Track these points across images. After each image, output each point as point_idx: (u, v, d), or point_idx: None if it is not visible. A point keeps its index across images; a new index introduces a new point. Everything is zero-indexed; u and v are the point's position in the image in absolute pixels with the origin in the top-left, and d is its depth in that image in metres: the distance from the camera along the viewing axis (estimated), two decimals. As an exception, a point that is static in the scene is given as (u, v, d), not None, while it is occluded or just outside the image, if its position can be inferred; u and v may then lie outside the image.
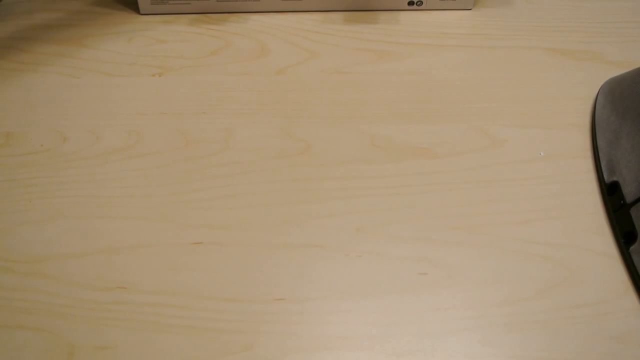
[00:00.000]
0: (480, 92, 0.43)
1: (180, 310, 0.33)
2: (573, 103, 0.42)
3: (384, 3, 0.49)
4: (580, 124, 0.41)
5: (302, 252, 0.35)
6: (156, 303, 0.33)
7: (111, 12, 0.49)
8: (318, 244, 0.35)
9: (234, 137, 0.40)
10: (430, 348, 0.31)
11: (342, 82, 0.44)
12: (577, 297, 0.33)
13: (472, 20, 0.48)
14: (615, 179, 0.36)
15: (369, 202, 0.37)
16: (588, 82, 0.43)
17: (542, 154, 0.39)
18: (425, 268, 0.34)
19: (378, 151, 0.39)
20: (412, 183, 0.38)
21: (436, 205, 0.37)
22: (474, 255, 0.35)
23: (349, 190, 0.37)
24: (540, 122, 0.41)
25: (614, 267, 0.34)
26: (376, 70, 0.44)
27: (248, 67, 0.45)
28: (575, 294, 0.33)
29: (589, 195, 0.37)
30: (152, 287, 0.33)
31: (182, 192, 0.38)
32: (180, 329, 0.32)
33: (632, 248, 0.34)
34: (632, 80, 0.39)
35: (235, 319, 0.32)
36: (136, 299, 0.33)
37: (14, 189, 0.38)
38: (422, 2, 0.49)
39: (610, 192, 0.36)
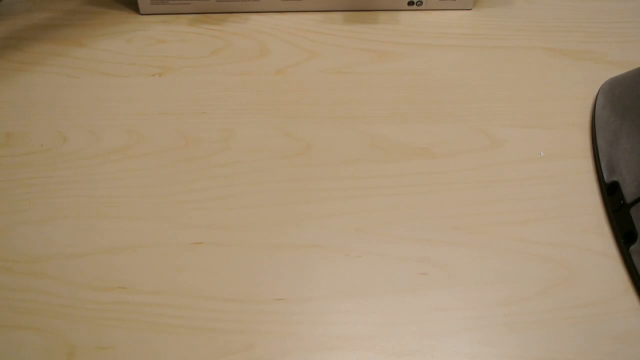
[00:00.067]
0: (480, 92, 0.43)
1: (180, 310, 0.33)
2: (573, 103, 0.42)
3: (384, 3, 0.49)
4: (580, 124, 0.41)
5: (302, 252, 0.35)
6: (156, 303, 0.33)
7: (111, 12, 0.49)
8: (318, 244, 0.35)
9: (234, 137, 0.40)
10: (430, 348, 0.31)
11: (342, 82, 0.44)
12: (577, 297, 0.33)
13: (472, 20, 0.48)
14: (615, 179, 0.36)
15: (369, 202, 0.37)
16: (588, 82, 0.43)
17: (542, 154, 0.39)
18: (425, 268, 0.34)
19: (378, 151, 0.39)
20: (411, 183, 0.38)
21: (436, 205, 0.37)
22: (474, 255, 0.35)
23: (349, 190, 0.37)
24: (540, 122, 0.41)
25: (614, 267, 0.34)
26: (376, 70, 0.45)
27: (248, 67, 0.45)
28: (575, 294, 0.33)
29: (588, 195, 0.37)
30: (152, 287, 0.33)
31: (182, 192, 0.38)
32: (180, 329, 0.32)
33: (632, 248, 0.34)
34: (632, 80, 0.39)
35: (235, 319, 0.32)
36: (136, 299, 0.33)
37: (14, 189, 0.38)
38: (422, 2, 0.49)
39: (610, 192, 0.36)
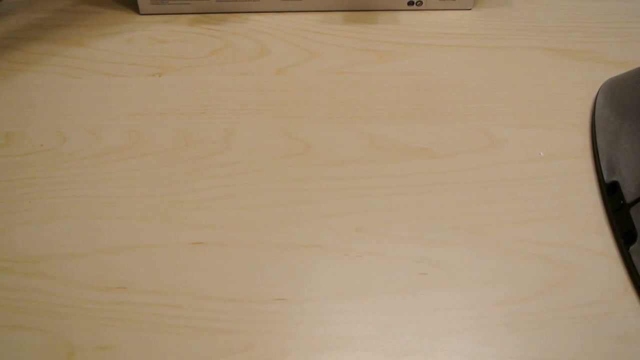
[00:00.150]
0: (480, 92, 0.43)
1: (180, 310, 0.33)
2: (573, 103, 0.42)
3: (383, 3, 0.49)
4: (580, 124, 0.41)
5: (302, 252, 0.35)
6: (156, 303, 0.33)
7: (111, 12, 0.49)
8: (318, 244, 0.35)
9: (234, 137, 0.40)
10: (430, 348, 0.31)
11: (342, 82, 0.44)
12: (577, 297, 0.33)
13: (472, 20, 0.48)
14: (615, 179, 0.36)
15: (369, 202, 0.37)
16: (588, 82, 0.43)
17: (542, 154, 0.39)
18: (425, 268, 0.34)
19: (378, 151, 0.39)
20: (411, 183, 0.38)
21: (436, 205, 0.37)
22: (474, 255, 0.35)
23: (349, 190, 0.37)
24: (540, 122, 0.41)
25: (614, 267, 0.34)
26: (376, 70, 0.45)
27: (248, 67, 0.45)
28: (575, 294, 0.33)
29: (588, 195, 0.37)
30: (152, 287, 0.33)
31: (182, 192, 0.38)
32: (180, 329, 0.32)
33: (632, 248, 0.34)
34: (632, 80, 0.39)
35: (235, 319, 0.32)
36: (136, 299, 0.33)
37: (14, 189, 0.38)
38: (421, 2, 0.49)
39: (610, 192, 0.36)
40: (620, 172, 0.36)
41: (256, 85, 0.44)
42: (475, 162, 0.39)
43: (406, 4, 0.49)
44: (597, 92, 0.42)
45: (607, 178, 0.37)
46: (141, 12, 0.49)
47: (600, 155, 0.38)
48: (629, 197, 0.34)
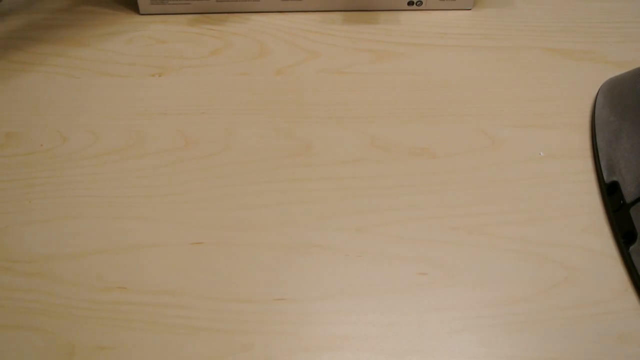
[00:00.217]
0: (480, 92, 0.43)
1: (180, 310, 0.33)
2: (573, 103, 0.42)
3: (383, 3, 0.49)
4: (580, 124, 0.41)
5: (302, 252, 0.35)
6: (156, 303, 0.33)
7: (111, 12, 0.49)
8: (318, 244, 0.35)
9: (234, 137, 0.40)
10: (430, 348, 0.31)
11: (342, 82, 0.44)
12: (577, 297, 0.33)
13: (472, 20, 0.48)
14: (614, 179, 0.36)
15: (369, 202, 0.37)
16: (588, 82, 0.43)
17: (542, 154, 0.39)
18: (424, 268, 0.34)
19: (378, 151, 0.39)
20: (411, 183, 0.38)
21: (436, 205, 0.37)
22: (474, 255, 0.35)
23: (349, 190, 0.37)
24: (540, 122, 0.41)
25: (614, 267, 0.34)
26: (376, 70, 0.45)
27: (248, 67, 0.45)
28: (575, 294, 0.33)
29: (588, 195, 0.37)
30: (152, 287, 0.33)
31: (182, 192, 0.38)
32: (180, 329, 0.32)
33: (631, 248, 0.34)
34: (631, 80, 0.39)
35: (235, 319, 0.32)
36: (136, 299, 0.33)
37: (14, 189, 0.38)
38: (421, 2, 0.49)
39: (610, 192, 0.36)
40: (620, 172, 0.36)
41: (256, 85, 0.44)
42: (475, 162, 0.39)
43: (406, 4, 0.49)
44: (597, 92, 0.42)
45: (607, 178, 0.37)
46: (141, 12, 0.49)
47: (600, 155, 0.38)
48: (629, 197, 0.34)
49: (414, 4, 0.49)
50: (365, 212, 0.36)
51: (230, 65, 0.45)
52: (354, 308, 0.33)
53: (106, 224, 0.36)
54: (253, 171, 0.39)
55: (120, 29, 0.48)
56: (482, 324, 0.32)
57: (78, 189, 0.38)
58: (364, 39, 0.47)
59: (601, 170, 0.37)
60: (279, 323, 0.32)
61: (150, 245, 0.35)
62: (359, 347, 0.31)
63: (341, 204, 0.37)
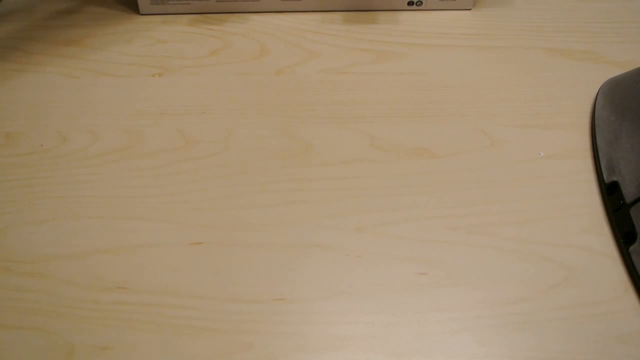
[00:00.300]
0: (480, 92, 0.43)
1: (180, 310, 0.33)
2: (573, 103, 0.42)
3: (383, 3, 0.49)
4: (580, 124, 0.41)
5: (302, 252, 0.35)
6: (156, 303, 0.33)
7: (111, 12, 0.49)
8: (318, 244, 0.35)
9: (234, 137, 0.40)
10: (430, 348, 0.31)
11: (342, 82, 0.44)
12: (577, 297, 0.33)
13: (471, 20, 0.48)
14: (614, 179, 0.36)
15: (369, 202, 0.37)
16: (588, 82, 0.43)
17: (542, 154, 0.39)
18: (424, 268, 0.34)
19: (378, 151, 0.39)
20: (411, 183, 0.38)
21: (436, 205, 0.37)
22: (474, 255, 0.35)
23: (349, 190, 0.37)
24: (540, 122, 0.41)
25: (614, 267, 0.34)
26: (376, 70, 0.45)
27: (248, 67, 0.45)
28: (575, 294, 0.33)
29: (588, 195, 0.37)
30: (152, 287, 0.33)
31: (182, 192, 0.38)
32: (180, 329, 0.32)
33: (631, 248, 0.34)
34: (631, 80, 0.39)
35: (235, 319, 0.32)
36: (136, 299, 0.33)
37: (14, 189, 0.38)
38: (421, 2, 0.49)
39: (610, 192, 0.36)
40: (620, 172, 0.36)
41: (256, 85, 0.44)
42: (475, 162, 0.39)
43: (406, 4, 0.49)
44: (597, 92, 0.42)
45: (607, 178, 0.37)
46: (141, 12, 0.49)
47: (600, 155, 0.38)
48: (628, 197, 0.34)
49: (414, 4, 0.49)
50: (365, 212, 0.36)
51: (230, 65, 0.45)
52: (354, 308, 0.33)
53: (106, 224, 0.36)
54: (253, 171, 0.39)
55: (120, 29, 0.48)
56: (481, 323, 0.32)
57: (78, 189, 0.38)
58: (364, 39, 0.47)
59: (601, 170, 0.37)
60: (279, 323, 0.32)
61: (150, 245, 0.35)
62: (359, 347, 0.31)
63: (341, 204, 0.37)
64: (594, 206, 0.37)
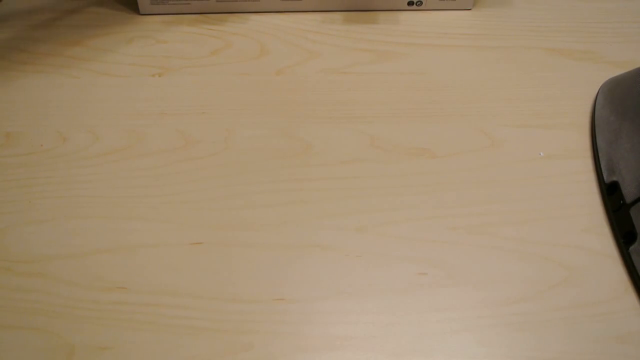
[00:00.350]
0: (480, 92, 0.43)
1: (180, 310, 0.33)
2: (573, 103, 0.42)
3: (383, 3, 0.49)
4: (580, 124, 0.41)
5: (302, 252, 0.35)
6: (156, 303, 0.33)
7: (111, 12, 0.49)
8: (318, 244, 0.35)
9: (234, 137, 0.40)
10: (430, 348, 0.31)
11: (342, 82, 0.44)
12: (577, 297, 0.33)
13: (471, 20, 0.48)
14: (614, 179, 0.36)
15: (369, 202, 0.37)
16: (588, 82, 0.43)
17: (542, 154, 0.39)
18: (424, 268, 0.34)
19: (378, 151, 0.39)
20: (411, 183, 0.38)
21: (436, 205, 0.37)
22: (474, 255, 0.35)
23: (349, 190, 0.37)
24: (540, 122, 0.41)
25: (614, 267, 0.34)
26: (376, 70, 0.45)
27: (248, 67, 0.45)
28: (575, 294, 0.33)
29: (588, 195, 0.37)
30: (152, 287, 0.33)
31: (182, 192, 0.38)
32: (181, 329, 0.32)
33: (631, 248, 0.34)
34: (631, 80, 0.39)
35: (235, 319, 0.32)
36: (136, 299, 0.33)
37: (14, 189, 0.38)
38: (421, 2, 0.49)
39: (610, 192, 0.36)
40: (620, 172, 0.36)
41: (256, 85, 0.44)
42: (475, 162, 0.39)
43: (406, 4, 0.49)
44: (597, 92, 0.42)
45: (607, 178, 0.37)
46: (141, 12, 0.49)
47: (600, 155, 0.38)
48: (628, 197, 0.34)
49: (414, 4, 0.49)
50: (365, 212, 0.36)
51: (230, 65, 0.45)
52: (354, 308, 0.33)
53: (106, 224, 0.36)
54: (253, 171, 0.39)
55: (120, 29, 0.48)
56: (481, 324, 0.32)
57: (78, 189, 0.38)
58: (364, 39, 0.47)
59: (601, 170, 0.37)
60: (279, 323, 0.32)
61: (150, 245, 0.35)
62: (359, 347, 0.31)
63: (341, 204, 0.37)
64: (594, 206, 0.37)
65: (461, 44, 0.46)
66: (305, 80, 0.44)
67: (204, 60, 0.45)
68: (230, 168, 0.39)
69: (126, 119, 0.42)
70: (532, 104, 0.42)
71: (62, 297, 0.33)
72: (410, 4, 0.49)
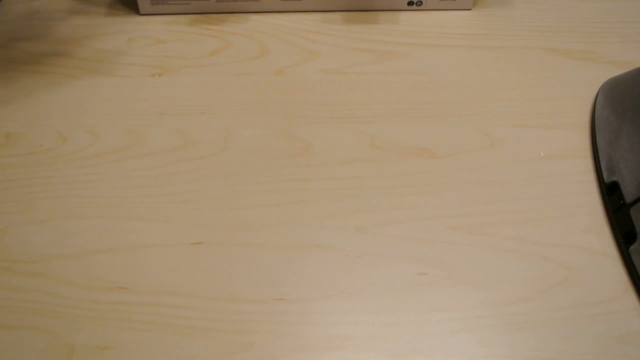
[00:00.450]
0: (480, 92, 0.43)
1: (180, 310, 0.33)
2: (573, 103, 0.42)
3: (383, 3, 0.49)
4: (580, 124, 0.41)
5: (302, 252, 0.35)
6: (156, 303, 0.33)
7: (111, 12, 0.49)
8: (318, 244, 0.35)
9: (234, 137, 0.40)
10: (430, 348, 0.31)
11: (342, 82, 0.44)
12: (577, 297, 0.33)
13: (472, 20, 0.48)
14: (614, 179, 0.36)
15: (369, 202, 0.37)
16: (588, 82, 0.43)
17: (542, 154, 0.39)
18: (424, 268, 0.34)
19: (378, 151, 0.39)
20: (411, 183, 0.38)
21: (436, 205, 0.37)
22: (474, 255, 0.35)
23: (349, 190, 0.37)
24: (540, 122, 0.41)
25: (614, 267, 0.34)
26: (376, 70, 0.45)
27: (248, 67, 0.45)
28: (575, 294, 0.33)
29: (588, 195, 0.37)
30: (152, 287, 0.33)
31: (182, 192, 0.38)
32: (180, 329, 0.32)
33: (631, 248, 0.34)
34: (631, 80, 0.39)
35: (235, 319, 0.32)
36: (136, 299, 0.33)
37: (14, 189, 0.38)
38: (421, 2, 0.49)
39: (610, 192, 0.36)
40: (620, 172, 0.36)
41: (256, 85, 0.44)
42: (475, 162, 0.39)
43: (406, 4, 0.49)
44: (597, 92, 0.42)
45: (607, 178, 0.37)
46: (141, 12, 0.49)
47: (600, 155, 0.38)
48: (628, 197, 0.34)
49: (414, 4, 0.49)
50: (365, 212, 0.36)
51: (230, 65, 0.45)
52: (354, 308, 0.33)
53: (106, 224, 0.36)
54: (253, 171, 0.39)
55: (120, 29, 0.48)
56: (481, 324, 0.32)
57: (78, 189, 0.38)
58: (364, 39, 0.47)
59: (601, 170, 0.37)
60: (279, 323, 0.32)
61: (150, 245, 0.35)
62: (359, 347, 0.31)
63: (341, 204, 0.37)
64: (594, 206, 0.37)
65: (461, 44, 0.46)
66: (305, 80, 0.44)
67: (204, 60, 0.45)
68: (230, 168, 0.39)
69: (126, 119, 0.42)
70: (532, 104, 0.42)
71: (62, 297, 0.33)
72: (410, 4, 0.49)
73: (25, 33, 0.48)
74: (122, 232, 0.36)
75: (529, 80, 0.44)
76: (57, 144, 0.40)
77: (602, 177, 0.37)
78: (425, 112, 0.42)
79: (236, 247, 0.35)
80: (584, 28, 0.48)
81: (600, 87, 0.42)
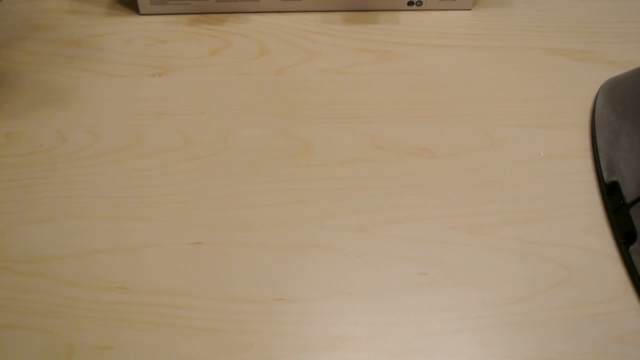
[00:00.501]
0: (480, 92, 0.43)
1: (180, 310, 0.33)
2: (573, 103, 0.42)
3: (383, 3, 0.49)
4: (580, 124, 0.41)
5: (302, 252, 0.35)
6: (156, 303, 0.33)
7: (111, 12, 0.49)
8: (318, 244, 0.35)
9: (234, 137, 0.40)
10: (430, 348, 0.31)
11: (342, 82, 0.44)
12: (577, 297, 0.33)
13: (471, 20, 0.48)
14: (614, 179, 0.36)
15: (369, 202, 0.37)
16: (588, 82, 0.43)
17: (542, 154, 0.39)
18: (424, 268, 0.34)
19: (378, 151, 0.39)
20: (411, 183, 0.38)
21: (436, 205, 0.37)
22: (474, 255, 0.35)
23: (349, 190, 0.37)
24: (540, 122, 0.41)
25: (614, 267, 0.34)
26: (376, 70, 0.45)
27: (248, 67, 0.45)
28: (575, 294, 0.33)
29: (588, 195, 0.37)
30: (152, 287, 0.33)
31: (182, 192, 0.38)
32: (180, 329, 0.32)
33: (631, 248, 0.34)
34: (631, 80, 0.39)
35: (235, 319, 0.32)
36: (136, 299, 0.33)
37: (14, 189, 0.38)
38: (421, 2, 0.49)
39: (610, 192, 0.36)
40: (620, 172, 0.36)
41: (256, 85, 0.44)
42: (475, 162, 0.39)
43: (406, 4, 0.49)
44: (597, 92, 0.42)
45: (607, 178, 0.37)
46: (141, 12, 0.49)
47: (600, 155, 0.38)
48: (628, 197, 0.34)
49: (414, 4, 0.49)
50: (365, 212, 0.36)
51: (230, 65, 0.45)
52: (354, 308, 0.33)
53: (106, 224, 0.36)
54: (253, 171, 0.39)
55: (120, 29, 0.48)
56: (481, 323, 0.32)
57: (78, 189, 0.38)
58: (364, 39, 0.47)
59: (601, 170, 0.37)
60: (279, 323, 0.32)
61: (150, 245, 0.35)
62: (359, 347, 0.31)
63: (341, 204, 0.37)
64: (594, 206, 0.37)
65: (461, 44, 0.46)
66: (305, 80, 0.44)
67: (204, 60, 0.45)
68: (230, 168, 0.39)
69: (126, 119, 0.42)
70: (532, 104, 0.42)
71: (62, 297, 0.33)
72: (410, 4, 0.49)
73: (25, 33, 0.48)
74: (122, 232, 0.36)
75: (529, 80, 0.44)
76: (57, 144, 0.40)
77: (602, 177, 0.37)
78: (425, 112, 0.42)
79: (236, 247, 0.35)
80: (584, 28, 0.48)
81: (600, 87, 0.42)
